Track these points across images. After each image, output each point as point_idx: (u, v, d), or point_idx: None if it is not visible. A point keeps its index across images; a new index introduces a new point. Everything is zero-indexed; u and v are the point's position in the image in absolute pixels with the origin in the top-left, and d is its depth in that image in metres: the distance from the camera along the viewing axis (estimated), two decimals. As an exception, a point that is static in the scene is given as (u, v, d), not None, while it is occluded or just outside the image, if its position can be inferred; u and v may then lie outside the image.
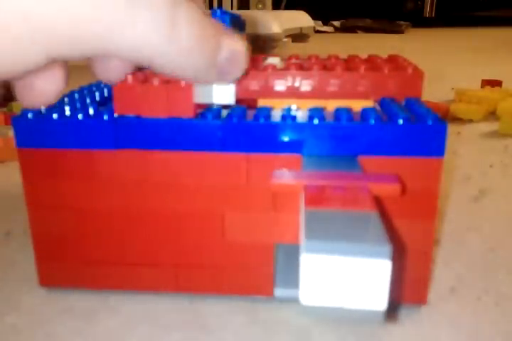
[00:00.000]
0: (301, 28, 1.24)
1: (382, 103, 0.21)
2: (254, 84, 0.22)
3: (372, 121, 0.19)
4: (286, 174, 0.18)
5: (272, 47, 1.07)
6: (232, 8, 1.41)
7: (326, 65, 0.24)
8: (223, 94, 0.22)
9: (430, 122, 0.19)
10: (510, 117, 0.49)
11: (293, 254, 0.19)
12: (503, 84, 0.65)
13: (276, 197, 0.20)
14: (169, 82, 0.20)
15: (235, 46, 0.17)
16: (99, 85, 0.27)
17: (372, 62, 0.25)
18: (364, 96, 0.22)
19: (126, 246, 0.22)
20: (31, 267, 0.23)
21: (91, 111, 0.21)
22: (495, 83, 0.65)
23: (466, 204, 0.32)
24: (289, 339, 0.20)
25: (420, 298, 0.21)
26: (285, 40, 1.12)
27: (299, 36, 1.26)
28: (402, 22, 1.95)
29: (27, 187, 0.21)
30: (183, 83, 0.19)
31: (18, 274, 0.24)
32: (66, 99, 0.23)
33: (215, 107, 0.21)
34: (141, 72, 0.21)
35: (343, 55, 0.27)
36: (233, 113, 0.20)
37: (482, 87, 0.66)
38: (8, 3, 0.12)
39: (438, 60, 1.03)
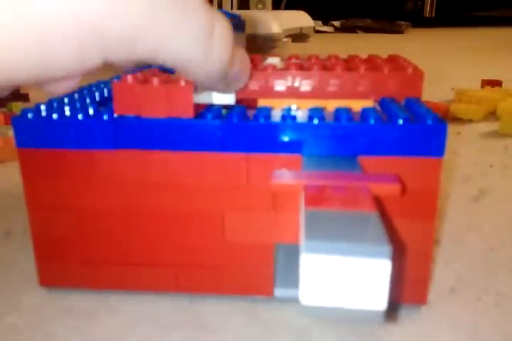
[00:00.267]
0: (301, 28, 1.24)
1: (382, 103, 0.21)
2: (254, 84, 0.22)
3: (372, 121, 0.19)
4: (286, 174, 0.18)
5: (272, 47, 1.07)
6: (232, 8, 1.41)
7: (326, 65, 0.24)
8: (223, 95, 0.22)
9: (430, 122, 0.19)
10: (510, 117, 0.49)
11: (293, 254, 0.19)
12: (503, 84, 0.65)
13: (276, 197, 0.20)
14: (169, 82, 0.20)
15: (246, 61, 0.19)
16: (99, 85, 0.27)
17: (372, 62, 0.25)
18: (364, 96, 0.22)
19: (126, 246, 0.22)
20: (31, 267, 0.23)
21: (91, 111, 0.21)
22: (495, 83, 0.65)
23: (466, 204, 0.32)
24: (289, 339, 0.20)
25: (420, 298, 0.21)
26: (285, 40, 1.12)
27: (299, 36, 1.26)
28: (402, 22, 1.95)
29: (27, 187, 0.21)
30: (183, 83, 0.19)
31: (18, 274, 0.24)
32: (66, 99, 0.23)
33: (215, 107, 0.21)
34: (141, 72, 0.21)
35: (343, 55, 0.27)
36: (233, 113, 0.20)
37: (482, 87, 0.66)
38: (74, 14, 0.13)
39: (438, 60, 1.03)
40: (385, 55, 0.27)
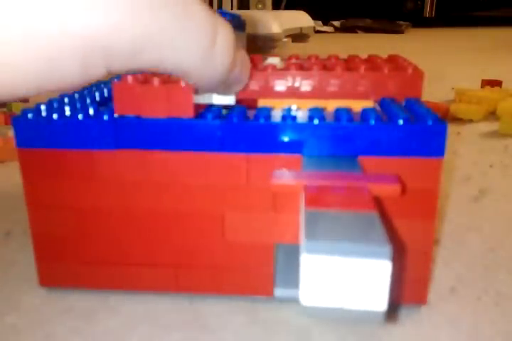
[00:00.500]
0: (301, 28, 1.24)
1: (382, 103, 0.21)
2: (254, 84, 0.22)
3: (373, 122, 0.19)
4: (286, 174, 0.18)
5: (272, 47, 1.07)
6: (232, 8, 1.41)
7: (326, 65, 0.24)
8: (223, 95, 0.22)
9: (430, 122, 0.19)
10: (510, 117, 0.49)
11: (293, 254, 0.19)
12: (503, 84, 0.65)
13: (276, 197, 0.20)
14: (169, 82, 0.20)
15: (246, 63, 0.19)
16: (99, 85, 0.27)
17: (372, 62, 0.25)
18: (364, 96, 0.22)
19: (126, 246, 0.22)
20: (31, 267, 0.23)
21: (91, 112, 0.21)
22: (495, 83, 0.65)
23: (466, 204, 0.32)
24: (289, 339, 0.20)
25: (420, 298, 0.21)
26: (285, 40, 1.12)
27: (299, 36, 1.26)
28: (402, 22, 1.95)
29: (27, 187, 0.21)
30: (183, 83, 0.19)
31: (18, 274, 0.24)
32: (66, 99, 0.23)
33: (215, 107, 0.21)
34: (141, 72, 0.21)
35: (343, 55, 0.27)
36: (233, 113, 0.20)
37: (482, 87, 0.66)
38: (81, 30, 0.13)
39: (438, 60, 1.03)
40: (385, 55, 0.27)
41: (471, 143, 0.46)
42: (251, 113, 0.21)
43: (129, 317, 0.21)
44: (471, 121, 0.53)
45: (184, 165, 0.20)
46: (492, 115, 0.55)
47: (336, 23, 2.06)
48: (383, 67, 0.22)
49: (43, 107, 0.21)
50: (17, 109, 0.53)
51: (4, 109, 0.54)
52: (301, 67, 0.23)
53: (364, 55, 0.27)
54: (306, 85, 0.22)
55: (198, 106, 0.20)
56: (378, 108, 0.22)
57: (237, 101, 0.22)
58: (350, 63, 0.24)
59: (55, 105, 0.22)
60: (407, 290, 0.21)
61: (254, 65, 0.23)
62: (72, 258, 0.22)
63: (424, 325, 0.20)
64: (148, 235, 0.21)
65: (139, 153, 0.20)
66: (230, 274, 0.22)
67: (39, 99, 0.23)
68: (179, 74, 0.16)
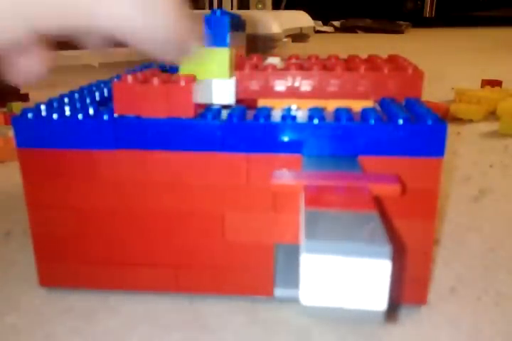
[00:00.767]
0: (301, 28, 1.24)
1: (382, 103, 0.21)
2: (254, 84, 0.22)
3: (372, 121, 0.19)
4: (286, 174, 0.18)
5: (272, 47, 1.07)
6: (232, 8, 1.41)
7: (326, 65, 0.24)
8: (223, 94, 0.22)
9: (430, 122, 0.19)
10: (510, 117, 0.49)
11: (293, 254, 0.19)
12: (503, 84, 0.65)
13: (276, 197, 0.20)
14: (169, 81, 0.20)
15: (190, 27, 0.18)
16: (99, 85, 0.27)
17: (372, 62, 0.25)
18: (364, 96, 0.22)
19: (126, 246, 0.22)
20: (31, 267, 0.23)
21: (91, 111, 0.21)
22: (495, 83, 0.65)
23: (466, 204, 0.32)
24: (289, 339, 0.20)
25: (420, 298, 0.21)
26: (285, 40, 1.12)
27: (299, 36, 1.26)
28: (402, 22, 1.95)
29: (27, 187, 0.21)
30: (183, 83, 0.19)
31: (18, 274, 0.24)
32: (66, 99, 0.23)
33: (215, 107, 0.21)
34: (141, 72, 0.21)
35: (343, 55, 0.27)
36: (233, 113, 0.20)
37: (482, 87, 0.66)
38: None
39: (438, 60, 1.03)
40: (385, 55, 0.27)
41: (471, 143, 0.46)
42: (251, 113, 0.21)
43: (129, 317, 0.21)
44: (471, 121, 0.53)
45: (184, 165, 0.20)
46: (492, 115, 0.55)
47: (336, 23, 2.06)
48: (383, 67, 0.22)
49: (42, 107, 0.21)
50: (17, 109, 0.53)
51: (4, 109, 0.54)
52: (301, 67, 0.23)
53: (364, 55, 0.27)
54: (306, 85, 0.22)
55: (198, 106, 0.20)
56: (378, 108, 0.22)
57: (237, 101, 0.22)
58: (350, 63, 0.24)
59: (55, 105, 0.22)
60: (407, 290, 0.21)
61: (254, 65, 0.23)
62: (72, 258, 0.22)
63: (424, 325, 0.20)
64: (148, 235, 0.21)
65: (138, 153, 0.20)
66: (230, 274, 0.22)
67: (39, 99, 0.23)
68: (118, 35, 0.16)
